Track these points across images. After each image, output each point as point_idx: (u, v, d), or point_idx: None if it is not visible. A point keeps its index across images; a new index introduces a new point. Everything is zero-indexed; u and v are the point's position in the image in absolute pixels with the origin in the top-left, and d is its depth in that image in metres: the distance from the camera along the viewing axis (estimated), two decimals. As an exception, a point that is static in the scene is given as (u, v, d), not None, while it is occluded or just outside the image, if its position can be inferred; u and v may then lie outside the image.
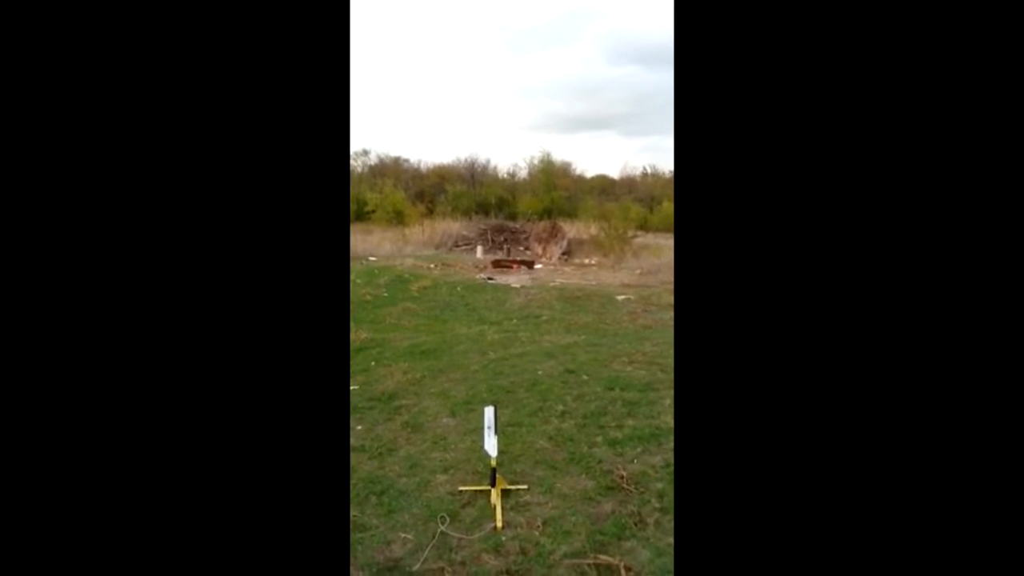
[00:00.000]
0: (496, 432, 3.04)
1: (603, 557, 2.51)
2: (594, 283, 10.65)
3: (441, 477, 3.29)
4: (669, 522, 2.80)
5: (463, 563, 2.52)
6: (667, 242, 16.12)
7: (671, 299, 8.72)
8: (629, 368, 5.15)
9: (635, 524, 2.78)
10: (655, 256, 13.71)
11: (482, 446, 3.14)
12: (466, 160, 30.65)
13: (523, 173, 29.62)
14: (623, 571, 2.42)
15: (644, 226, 20.71)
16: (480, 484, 3.12)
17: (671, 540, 2.67)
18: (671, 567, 2.47)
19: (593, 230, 17.02)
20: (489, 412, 3.09)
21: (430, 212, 23.10)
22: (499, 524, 2.77)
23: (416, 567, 2.48)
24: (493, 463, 3.03)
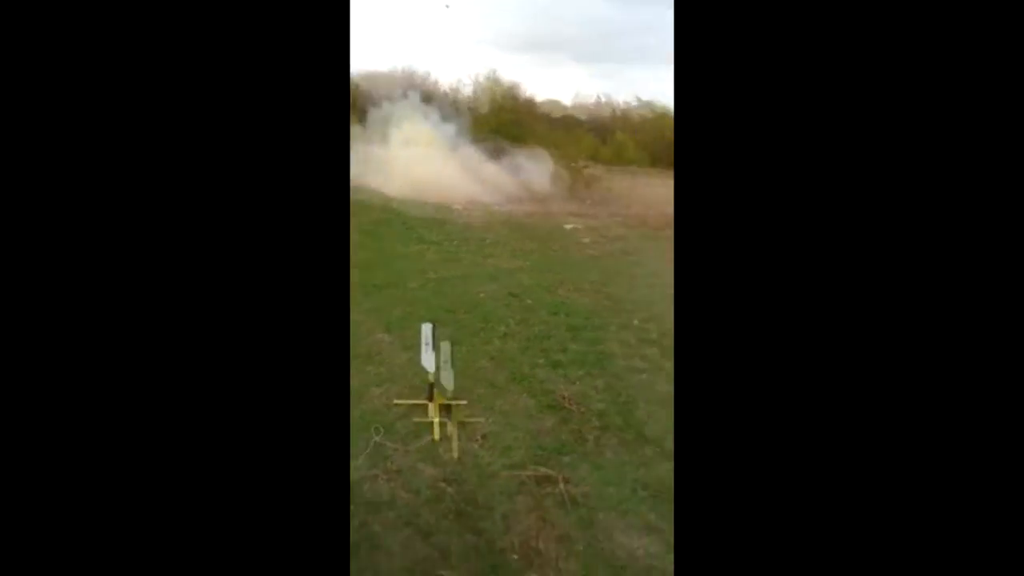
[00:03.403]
0: (435, 349, 3.03)
1: (542, 469, 2.60)
2: (542, 210, 10.63)
3: (375, 390, 3.28)
4: (608, 440, 2.92)
5: (399, 471, 2.56)
6: (618, 174, 16.19)
7: (620, 231, 8.83)
8: (575, 295, 5.22)
9: (575, 441, 2.88)
10: (605, 188, 13.76)
11: (419, 362, 3.13)
12: (403, 71, 29.34)
13: (467, 90, 28.72)
14: (561, 482, 2.52)
15: (595, 157, 20.67)
16: (417, 399, 3.13)
17: (610, 456, 2.78)
18: (610, 480, 2.58)
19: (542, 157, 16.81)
20: (427, 328, 3.08)
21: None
22: (436, 436, 2.80)
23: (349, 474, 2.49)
24: (431, 378, 3.03)
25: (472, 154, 14.31)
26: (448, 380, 2.95)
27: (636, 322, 4.51)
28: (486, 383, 3.44)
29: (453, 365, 2.96)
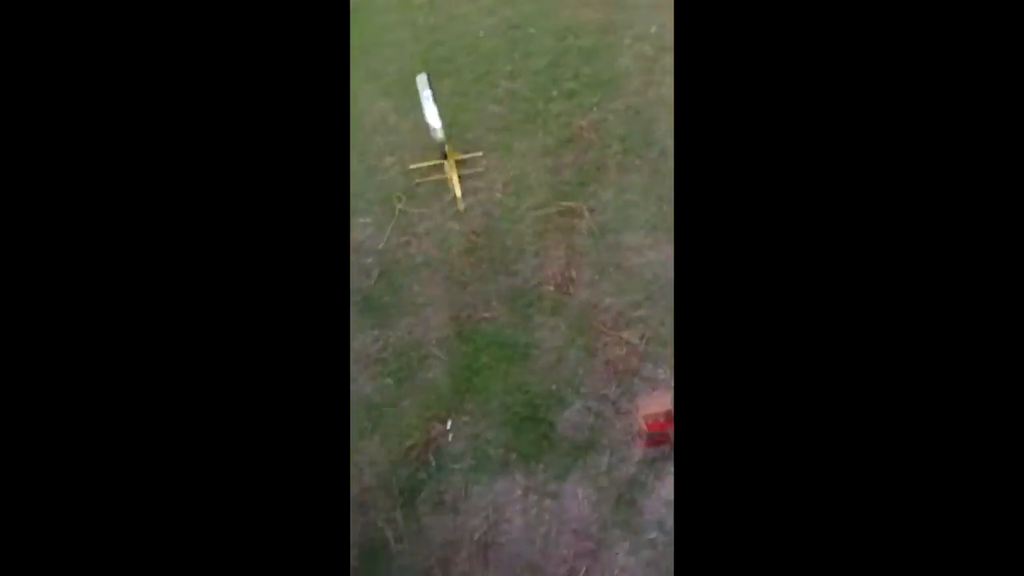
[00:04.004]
0: (436, 100, 2.88)
1: (566, 203, 2.61)
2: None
3: (389, 160, 3.23)
4: (631, 163, 2.86)
5: (428, 233, 2.62)
6: None
7: (625, -78, 7.72)
8: (582, 11, 4.74)
9: (597, 170, 2.84)
10: None
11: (424, 121, 3.02)
12: None
13: None
14: (586, 212, 2.54)
15: None
16: (431, 159, 3.09)
17: (634, 179, 2.76)
18: (634, 202, 2.60)
19: None
20: (422, 79, 2.91)
21: None
22: (458, 193, 2.81)
23: (381, 246, 2.57)
24: (440, 135, 2.94)
25: None
26: (433, 117, 2.84)
27: (654, 29, 4.13)
28: (499, 129, 3.33)
29: (435, 100, 2.81)
